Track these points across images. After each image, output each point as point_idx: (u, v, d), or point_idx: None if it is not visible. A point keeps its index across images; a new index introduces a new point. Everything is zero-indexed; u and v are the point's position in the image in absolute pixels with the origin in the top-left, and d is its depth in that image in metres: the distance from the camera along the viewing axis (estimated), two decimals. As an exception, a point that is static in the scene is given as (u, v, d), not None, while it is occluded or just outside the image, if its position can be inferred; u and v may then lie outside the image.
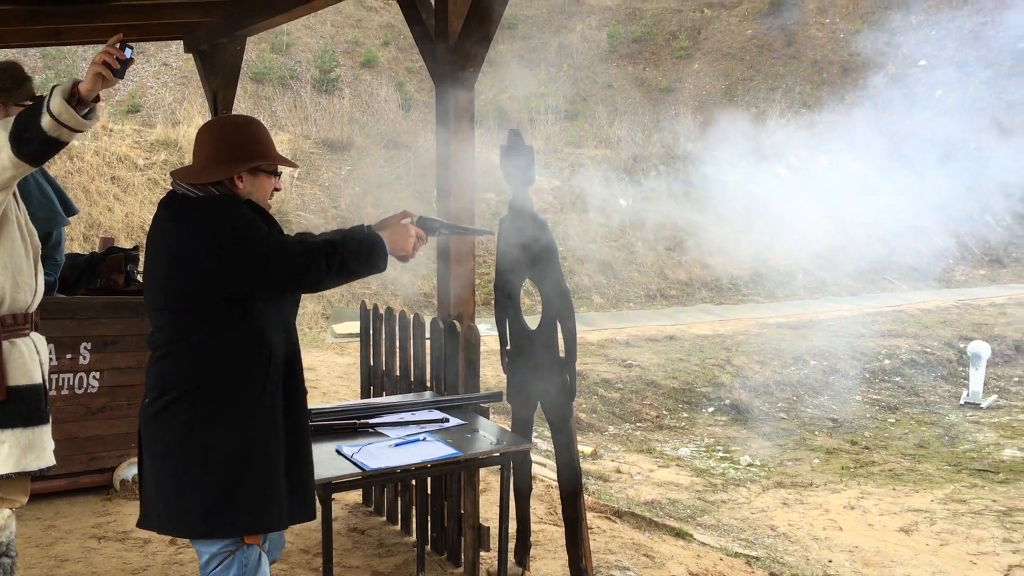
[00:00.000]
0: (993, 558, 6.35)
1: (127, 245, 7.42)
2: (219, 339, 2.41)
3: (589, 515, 4.71)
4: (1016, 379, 12.16)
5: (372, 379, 4.93)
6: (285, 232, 2.59)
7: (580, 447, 5.45)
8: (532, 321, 3.95)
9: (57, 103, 2.60)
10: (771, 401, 10.62)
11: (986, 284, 17.54)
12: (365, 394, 5.01)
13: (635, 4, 29.22)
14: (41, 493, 4.57)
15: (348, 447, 3.22)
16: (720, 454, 9.04)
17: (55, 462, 3.13)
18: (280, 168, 2.61)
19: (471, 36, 3.84)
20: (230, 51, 6.63)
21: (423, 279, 13.10)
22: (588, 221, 16.22)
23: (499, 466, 3.63)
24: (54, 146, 2.70)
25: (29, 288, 3.05)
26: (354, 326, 10.11)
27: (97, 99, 2.67)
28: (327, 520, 3.07)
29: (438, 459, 3.21)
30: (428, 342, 4.30)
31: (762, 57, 26.83)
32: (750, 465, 8.69)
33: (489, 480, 5.29)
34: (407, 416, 3.66)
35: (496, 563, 3.82)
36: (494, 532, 4.08)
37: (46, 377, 3.16)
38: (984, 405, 10.97)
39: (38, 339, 3.13)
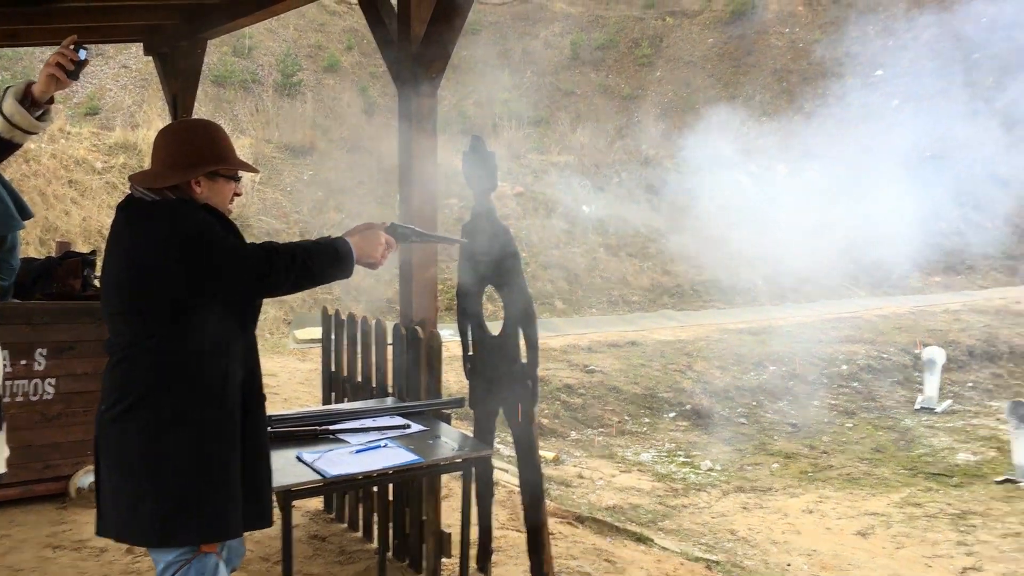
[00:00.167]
0: (948, 561, 6.46)
1: (84, 249, 7.31)
2: (176, 345, 2.38)
3: (551, 521, 4.72)
4: (970, 384, 12.39)
5: (333, 385, 4.90)
6: (246, 237, 2.57)
7: (542, 452, 5.46)
8: (494, 327, 3.96)
9: (9, 104, 2.56)
10: (732, 406, 10.72)
11: (941, 291, 17.87)
12: (326, 400, 4.98)
13: (598, 11, 29.39)
14: (-6, 502, 4.50)
15: (309, 454, 3.20)
16: (681, 459, 9.11)
17: (5, 469, 3.07)
18: (241, 173, 2.59)
19: (434, 41, 3.85)
20: (191, 54, 6.57)
21: (386, 284, 13.04)
22: (551, 227, 16.27)
23: (461, 472, 3.62)
24: (7, 148, 2.67)
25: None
26: (316, 332, 10.04)
27: (51, 101, 2.64)
28: (287, 528, 3.05)
29: (400, 465, 3.20)
30: (390, 348, 4.29)
31: (723, 65, 27.11)
32: (711, 470, 8.77)
33: (451, 486, 5.28)
34: (368, 422, 3.64)
35: (458, 569, 3.82)
36: (456, 538, 4.08)
37: (0, 383, 3.10)
38: (939, 410, 11.16)
39: (-8, 345, 3.08)
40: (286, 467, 3.06)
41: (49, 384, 4.74)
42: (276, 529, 2.72)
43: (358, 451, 3.28)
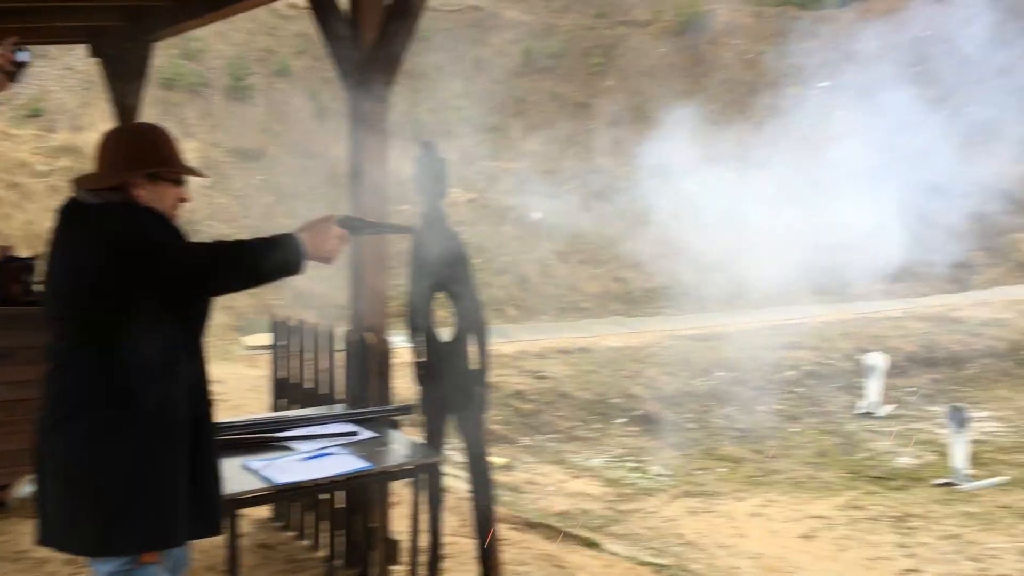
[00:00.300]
0: (889, 563, 6.60)
1: (26, 254, 7.15)
2: (118, 350, 2.31)
3: (501, 527, 4.73)
4: (911, 389, 12.68)
5: (282, 392, 4.86)
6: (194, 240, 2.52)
7: (493, 459, 5.47)
8: (446, 333, 3.96)
9: (-54, 106, 2.51)
10: (681, 412, 10.85)
11: (883, 298, 18.25)
12: (275, 407, 4.94)
13: (550, 20, 29.54)
14: (-70, 513, 4.38)
15: (256, 461, 3.17)
16: (631, 464, 9.19)
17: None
18: (187, 177, 2.55)
19: (385, 47, 3.84)
20: (138, 56, 6.46)
21: (338, 290, 12.92)
22: (503, 234, 16.32)
23: (411, 479, 3.62)
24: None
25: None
26: (265, 338, 9.92)
27: None
28: (234, 536, 3.02)
29: (349, 472, 3.18)
30: (341, 354, 4.27)
31: (673, 75, 27.41)
32: (660, 475, 8.86)
33: (401, 493, 5.26)
34: (318, 429, 3.61)
35: (407, 576, 3.81)
36: (405, 545, 4.07)
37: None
38: (881, 414, 11.40)
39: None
40: (233, 475, 3.02)
41: (-12, 392, 4.63)
42: (222, 538, 2.69)
43: (307, 458, 3.25)
